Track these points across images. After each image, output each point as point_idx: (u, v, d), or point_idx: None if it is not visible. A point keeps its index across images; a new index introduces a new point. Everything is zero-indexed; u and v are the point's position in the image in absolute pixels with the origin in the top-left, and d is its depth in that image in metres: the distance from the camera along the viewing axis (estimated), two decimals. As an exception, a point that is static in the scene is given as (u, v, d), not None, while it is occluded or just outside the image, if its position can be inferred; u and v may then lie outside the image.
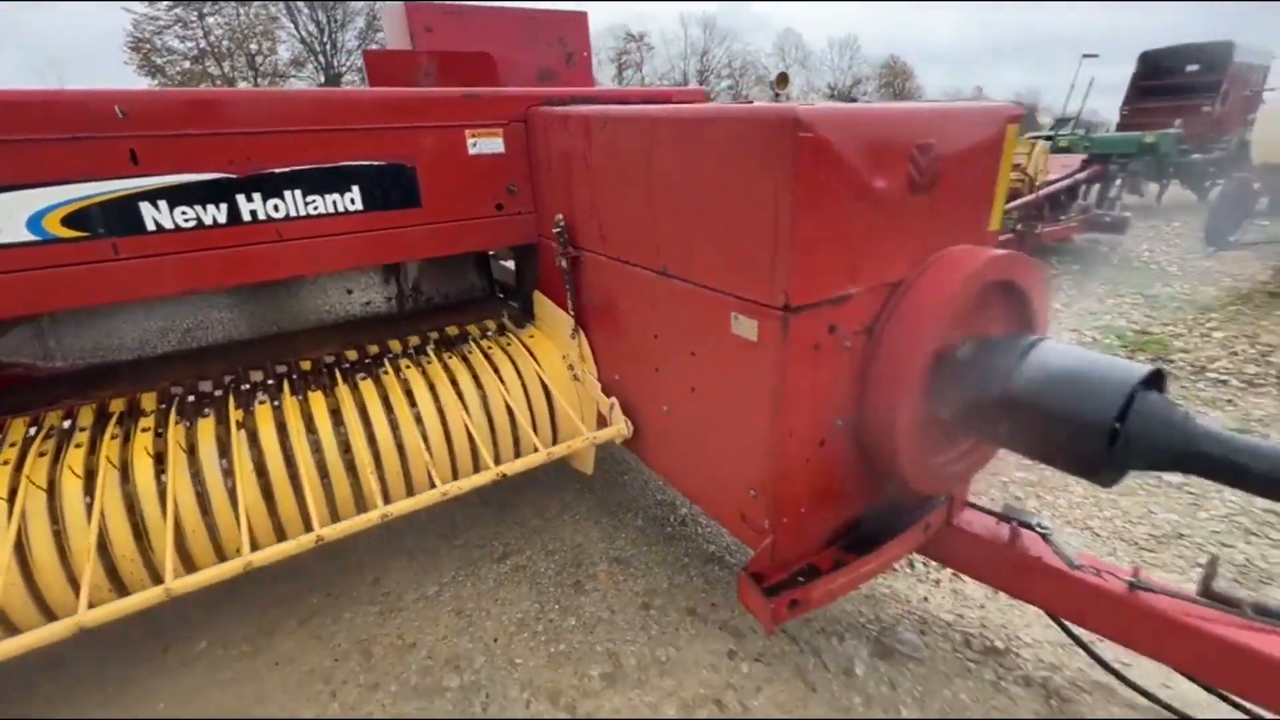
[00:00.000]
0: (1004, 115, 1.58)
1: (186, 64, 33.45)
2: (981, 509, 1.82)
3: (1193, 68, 13.51)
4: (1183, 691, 1.69)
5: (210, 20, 33.30)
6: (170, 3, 32.26)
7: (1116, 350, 4.47)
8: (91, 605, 1.42)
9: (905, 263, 1.49)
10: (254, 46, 33.95)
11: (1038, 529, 1.67)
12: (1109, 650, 1.78)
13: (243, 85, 34.14)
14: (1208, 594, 1.51)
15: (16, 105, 1.56)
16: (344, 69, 36.71)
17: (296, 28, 35.79)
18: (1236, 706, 1.55)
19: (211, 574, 1.53)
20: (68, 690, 1.87)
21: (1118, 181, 7.42)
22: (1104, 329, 4.92)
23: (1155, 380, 1.33)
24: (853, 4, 71.56)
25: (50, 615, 1.60)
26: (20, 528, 1.56)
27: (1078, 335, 4.82)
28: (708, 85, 49.20)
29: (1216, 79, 13.02)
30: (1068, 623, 1.77)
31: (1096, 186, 8.26)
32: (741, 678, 1.82)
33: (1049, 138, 12.43)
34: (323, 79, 36.50)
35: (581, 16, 3.05)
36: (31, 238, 1.62)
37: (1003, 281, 1.52)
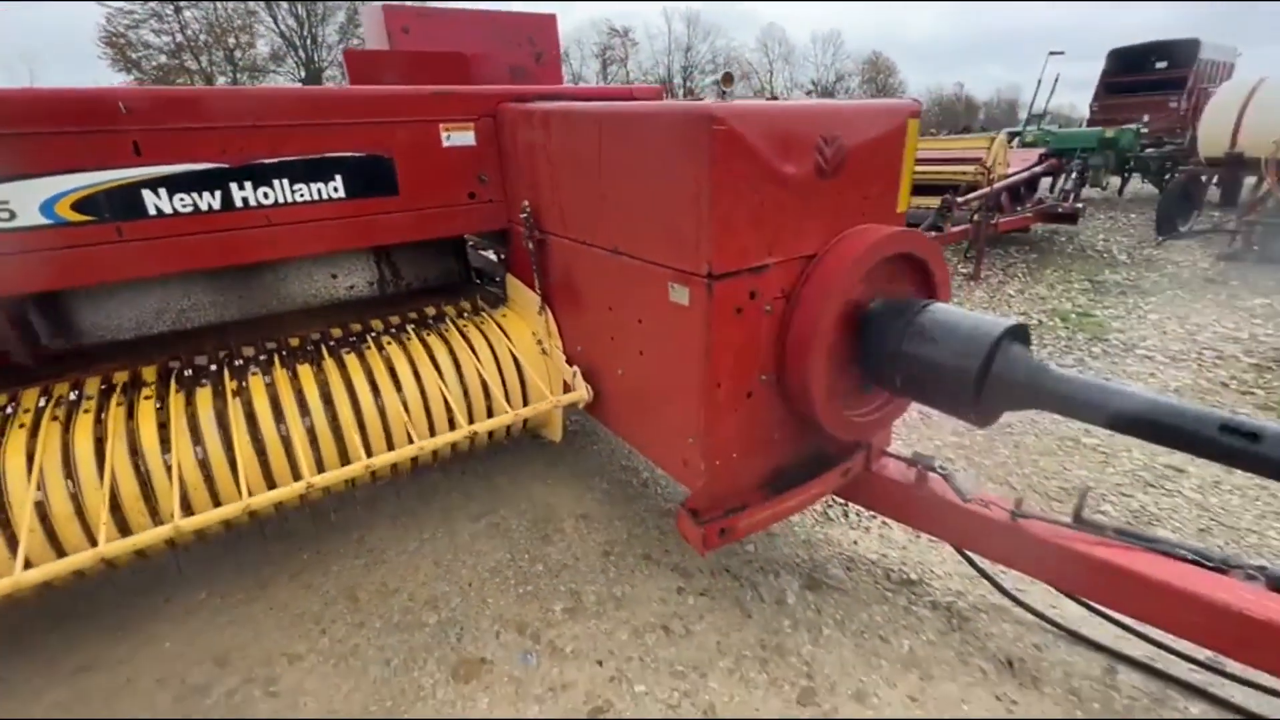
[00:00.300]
0: (905, 111, 1.83)
1: (163, 58, 32.88)
2: (895, 456, 2.08)
3: (1161, 64, 14.00)
4: (1067, 612, 1.96)
5: (187, 14, 32.72)
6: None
7: (1057, 329, 4.78)
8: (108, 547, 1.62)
9: (818, 238, 1.73)
10: (232, 41, 33.47)
11: (939, 470, 1.93)
12: (1010, 580, 2.04)
13: (221, 80, 33.71)
14: (1078, 520, 1.78)
15: (30, 101, 1.75)
16: (325, 64, 36.33)
17: (276, 22, 35.28)
18: (1104, 617, 1.83)
19: (215, 515, 1.74)
20: (81, 634, 2.07)
21: (1073, 175, 7.74)
22: (1050, 311, 5.23)
23: (1020, 335, 1.58)
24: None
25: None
26: (40, 484, 1.76)
27: (1026, 317, 5.13)
28: (691, 81, 49.38)
29: (1183, 75, 13.49)
30: (969, 552, 2.03)
31: (1055, 179, 8.59)
32: (687, 608, 2.06)
33: (1015, 133, 12.82)
34: (303, 74, 36.10)
35: (550, 19, 3.26)
36: (45, 221, 1.80)
37: (903, 254, 1.76)
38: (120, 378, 2.14)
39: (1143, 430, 1.40)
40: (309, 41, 35.94)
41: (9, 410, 1.94)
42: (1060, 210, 6.88)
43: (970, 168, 6.96)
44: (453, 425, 2.28)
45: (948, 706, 1.68)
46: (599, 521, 2.55)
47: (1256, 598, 1.43)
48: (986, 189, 6.09)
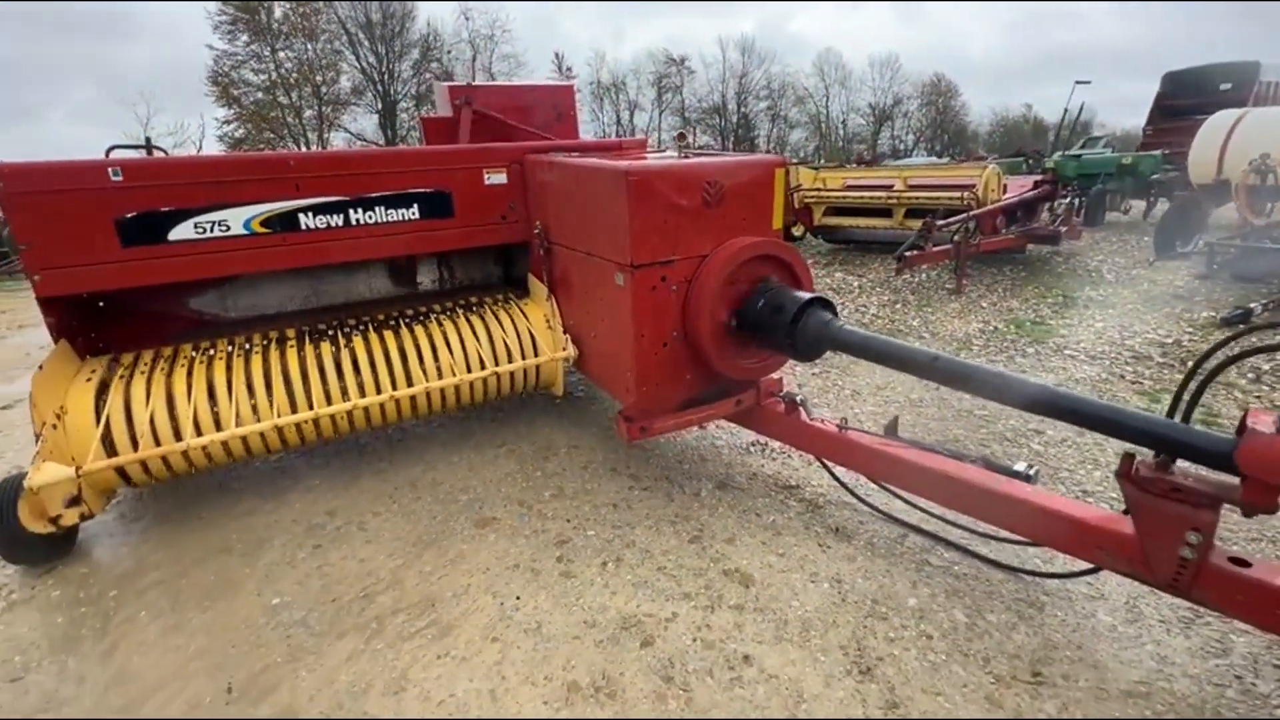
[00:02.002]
0: (773, 163, 2.81)
1: (259, 94, 36.44)
2: (775, 395, 3.00)
3: (1225, 86, 13.96)
4: (895, 506, 2.82)
5: (281, 54, 36.20)
6: (248, 39, 35.21)
7: (1008, 334, 5.51)
8: (269, 429, 2.75)
9: (709, 244, 2.71)
10: (319, 78, 36.76)
11: (798, 402, 2.86)
12: (868, 487, 2.92)
13: (308, 113, 37.01)
14: (888, 434, 2.67)
15: (239, 161, 2.94)
16: (399, 96, 39.27)
17: (358, 59, 38.43)
18: (916, 506, 2.70)
19: (333, 409, 2.85)
20: (244, 498, 3.21)
21: (1066, 201, 8.32)
22: (1010, 321, 5.94)
23: (825, 305, 2.51)
24: (893, 20, 72.05)
25: (246, 444, 2.94)
26: (229, 389, 2.90)
27: (986, 324, 5.87)
28: (745, 107, 50.32)
29: (1241, 98, 13.46)
30: (828, 462, 2.93)
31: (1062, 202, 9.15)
32: (632, 497, 3.03)
33: (1031, 157, 13.24)
34: (380, 105, 39.12)
35: (568, 88, 4.39)
36: (244, 232, 2.98)
37: (766, 255, 2.72)
38: (273, 334, 3.31)
39: (880, 359, 2.31)
40: (386, 77, 38.98)
41: (211, 351, 3.12)
42: (1044, 232, 7.52)
43: (963, 194, 7.71)
44: (484, 369, 3.35)
45: (786, 549, 2.58)
46: (584, 449, 3.56)
47: (1032, 492, 2.23)
48: (965, 214, 6.84)
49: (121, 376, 2.83)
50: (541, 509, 2.98)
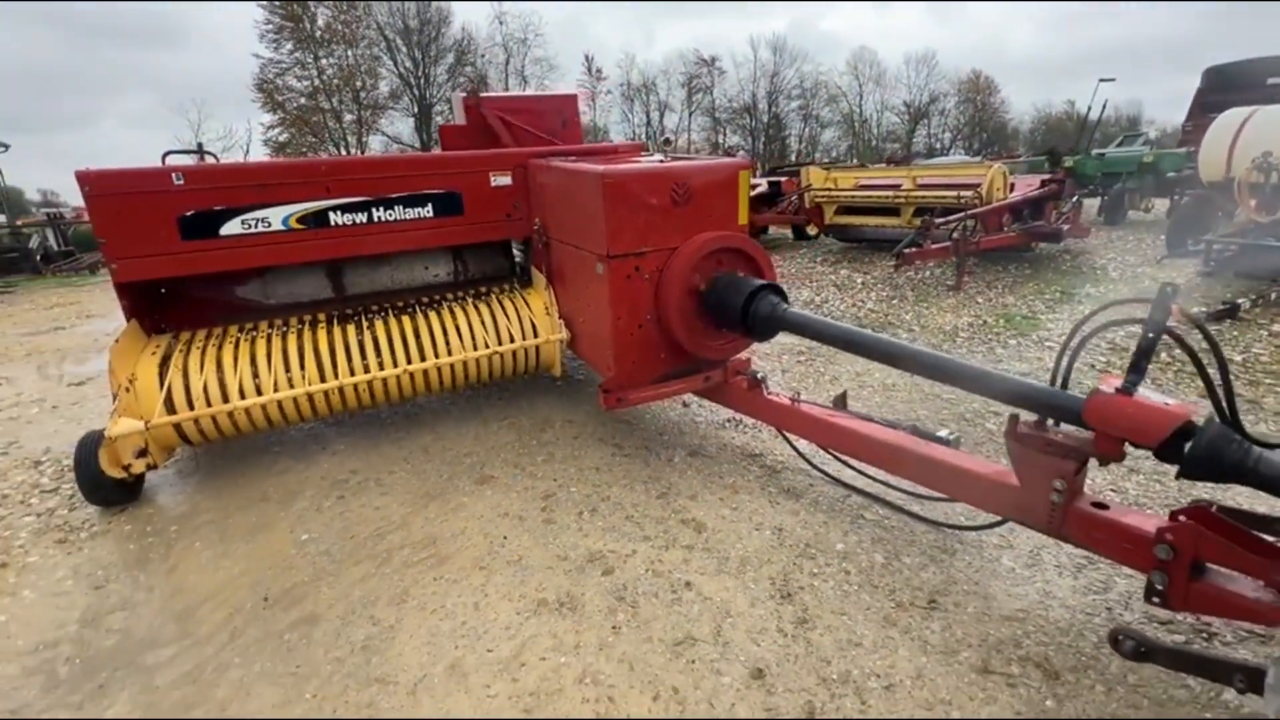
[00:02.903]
0: (736, 165, 3.17)
1: (302, 100, 37.89)
2: (743, 374, 3.36)
3: (1275, 80, 13.62)
4: (846, 474, 3.15)
5: (323, 61, 37.57)
6: (293, 46, 36.63)
7: (995, 327, 5.73)
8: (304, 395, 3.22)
9: (678, 238, 3.08)
10: (359, 83, 38.05)
11: (759, 379, 3.21)
12: (824, 458, 3.26)
13: (348, 117, 38.31)
14: (836, 406, 3.01)
15: (278, 167, 3.43)
16: (435, 99, 40.35)
17: (395, 64, 39.60)
18: (854, 469, 3.03)
19: (355, 379, 3.31)
20: (279, 459, 3.71)
21: (1073, 199, 8.40)
22: (1001, 315, 6.15)
23: (776, 291, 2.87)
24: (927, 16, 70.88)
25: (281, 409, 3.42)
26: (269, 361, 3.39)
27: (975, 318, 6.09)
28: (776, 107, 50.01)
29: None
30: (787, 433, 3.28)
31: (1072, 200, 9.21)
32: (613, 462, 3.42)
33: (1053, 156, 13.19)
34: (416, 109, 40.25)
35: (572, 98, 4.80)
36: (283, 228, 3.47)
37: (729, 248, 3.08)
38: (306, 318, 3.80)
39: (822, 339, 2.66)
40: (422, 81, 40.08)
41: (253, 331, 3.61)
42: (1045, 230, 7.65)
43: (959, 194, 7.89)
44: (488, 348, 3.78)
45: (739, 504, 2.94)
46: (577, 424, 3.96)
47: (946, 452, 2.56)
48: (961, 212, 7.04)
49: (180, 351, 3.35)
50: (533, 470, 3.39)
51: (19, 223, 21.04)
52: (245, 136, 37.47)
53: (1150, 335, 1.92)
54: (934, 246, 6.93)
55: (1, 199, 22.54)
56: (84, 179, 3.05)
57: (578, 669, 2.03)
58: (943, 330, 5.81)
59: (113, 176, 3.15)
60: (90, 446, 3.08)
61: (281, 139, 36.79)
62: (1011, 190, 8.38)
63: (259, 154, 38.11)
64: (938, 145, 53.04)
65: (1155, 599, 1.86)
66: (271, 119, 36.70)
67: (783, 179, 12.62)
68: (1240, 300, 5.53)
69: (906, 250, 6.74)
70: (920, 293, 7.31)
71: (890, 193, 9.11)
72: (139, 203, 3.18)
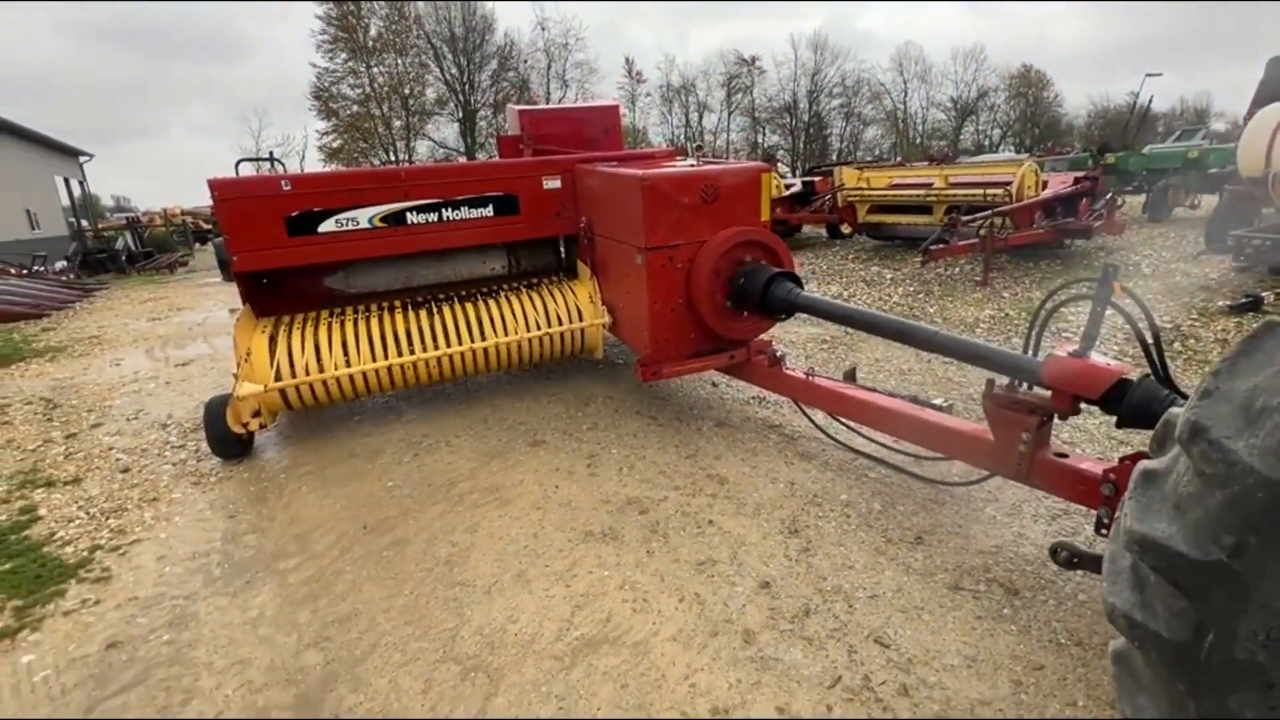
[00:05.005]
0: (758, 169, 3.61)
1: (355, 107, 39.57)
2: (765, 353, 3.78)
3: None
4: (856, 441, 3.54)
5: (374, 70, 39.16)
6: (347, 56, 38.28)
7: (1016, 319, 5.98)
8: (375, 371, 3.80)
9: (707, 232, 3.53)
10: (407, 90, 39.52)
11: (778, 357, 3.63)
12: (837, 428, 3.66)
13: (397, 123, 39.82)
14: (847, 380, 3.42)
15: (361, 175, 4.02)
16: (479, 105, 41.55)
17: (441, 71, 40.91)
18: (864, 436, 3.42)
19: (425, 355, 3.88)
20: (360, 426, 4.30)
21: (1108, 196, 8.47)
22: (1024, 309, 6.37)
23: (792, 278, 3.29)
24: (967, 11, 69.07)
25: (366, 379, 4.00)
26: (356, 340, 3.98)
27: (998, 311, 6.33)
28: (818, 105, 49.46)
29: None
30: (802, 405, 3.69)
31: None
32: (649, 430, 3.90)
33: (1095, 152, 13.05)
34: (460, 114, 41.50)
35: (614, 108, 5.30)
36: (369, 227, 4.06)
37: (751, 240, 3.52)
38: (385, 304, 4.39)
39: (832, 317, 3.08)
40: (467, 87, 41.30)
41: (341, 315, 4.22)
42: (1075, 226, 7.78)
43: (996, 191, 8.09)
44: (540, 331, 4.31)
45: (758, 464, 3.37)
46: (616, 399, 4.45)
47: (937, 415, 2.96)
48: (989, 210, 7.26)
49: (283, 330, 3.97)
50: (579, 436, 3.89)
51: (100, 226, 22.87)
52: (301, 142, 39.44)
53: (1098, 309, 2.28)
54: (961, 243, 7.17)
55: (89, 204, 24.47)
56: (214, 186, 3.69)
57: (619, 579, 2.51)
58: (964, 322, 6.09)
59: (235, 183, 3.79)
60: (217, 408, 3.72)
61: (335, 145, 38.59)
62: (1044, 187, 8.52)
63: (314, 158, 40.05)
64: (986, 142, 51.70)
65: (1103, 530, 2.23)
66: (325, 125, 38.55)
67: (816, 179, 12.88)
68: (1263, 294, 5.65)
69: (933, 246, 7.01)
70: (947, 287, 7.56)
71: (922, 191, 9.33)
72: (255, 205, 3.81)
